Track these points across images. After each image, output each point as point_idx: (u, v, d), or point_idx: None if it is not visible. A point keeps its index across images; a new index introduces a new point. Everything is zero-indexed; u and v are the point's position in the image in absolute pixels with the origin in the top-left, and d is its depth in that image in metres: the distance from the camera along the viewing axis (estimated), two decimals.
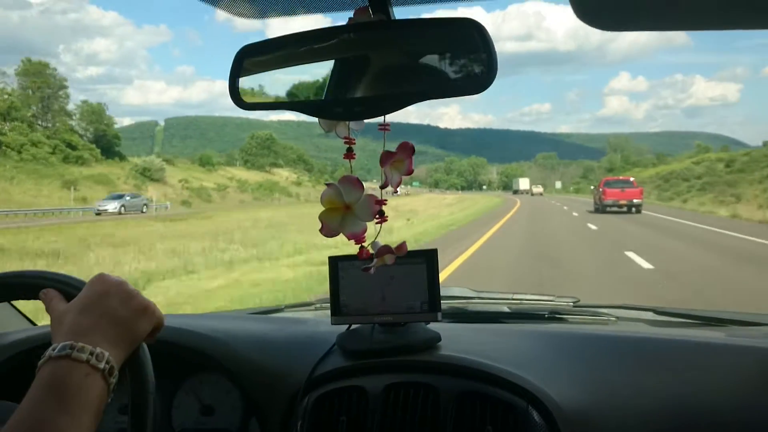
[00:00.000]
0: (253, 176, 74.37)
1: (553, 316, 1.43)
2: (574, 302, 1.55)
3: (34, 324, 1.42)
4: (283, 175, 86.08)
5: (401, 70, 0.77)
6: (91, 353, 0.63)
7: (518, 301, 1.61)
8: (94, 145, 54.11)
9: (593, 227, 17.09)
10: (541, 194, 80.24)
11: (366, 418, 1.03)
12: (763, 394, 0.97)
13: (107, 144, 58.81)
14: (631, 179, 27.45)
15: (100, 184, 43.98)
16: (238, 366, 1.13)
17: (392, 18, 0.79)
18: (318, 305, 1.68)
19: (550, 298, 1.62)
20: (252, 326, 1.30)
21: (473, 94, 0.71)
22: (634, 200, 24.65)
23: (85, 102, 62.90)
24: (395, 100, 0.74)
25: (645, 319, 1.47)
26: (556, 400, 0.97)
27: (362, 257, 0.82)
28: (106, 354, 0.65)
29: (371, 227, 0.80)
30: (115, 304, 0.69)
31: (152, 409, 0.74)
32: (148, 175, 51.06)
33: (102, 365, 0.64)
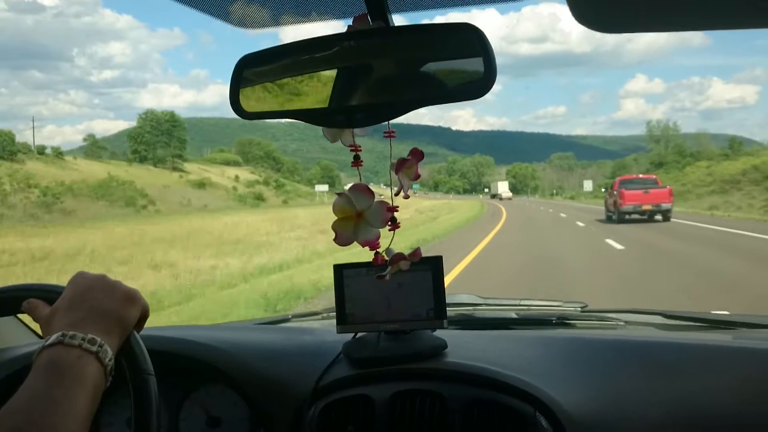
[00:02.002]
0: (98, 171, 50.96)
1: (561, 321, 1.41)
2: (581, 307, 1.53)
3: (42, 338, 1.43)
4: (193, 172, 63.54)
5: (402, 76, 0.77)
6: (83, 339, 0.65)
7: (525, 307, 1.60)
8: None
9: None
10: (510, 199, 76.67)
11: (373, 427, 1.02)
12: None
13: None
14: (654, 177, 22.35)
15: None
16: (245, 377, 1.13)
17: (391, 25, 0.79)
18: (324, 314, 1.67)
19: (558, 303, 1.60)
20: (258, 336, 1.30)
21: (472, 99, 0.71)
22: (662, 204, 18.99)
23: None
24: (396, 107, 0.74)
25: (653, 323, 1.45)
26: (565, 406, 0.96)
27: (377, 264, 0.81)
28: (98, 339, 0.66)
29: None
30: (100, 297, 0.70)
31: (154, 390, 0.73)
32: None
33: (95, 348, 0.65)
